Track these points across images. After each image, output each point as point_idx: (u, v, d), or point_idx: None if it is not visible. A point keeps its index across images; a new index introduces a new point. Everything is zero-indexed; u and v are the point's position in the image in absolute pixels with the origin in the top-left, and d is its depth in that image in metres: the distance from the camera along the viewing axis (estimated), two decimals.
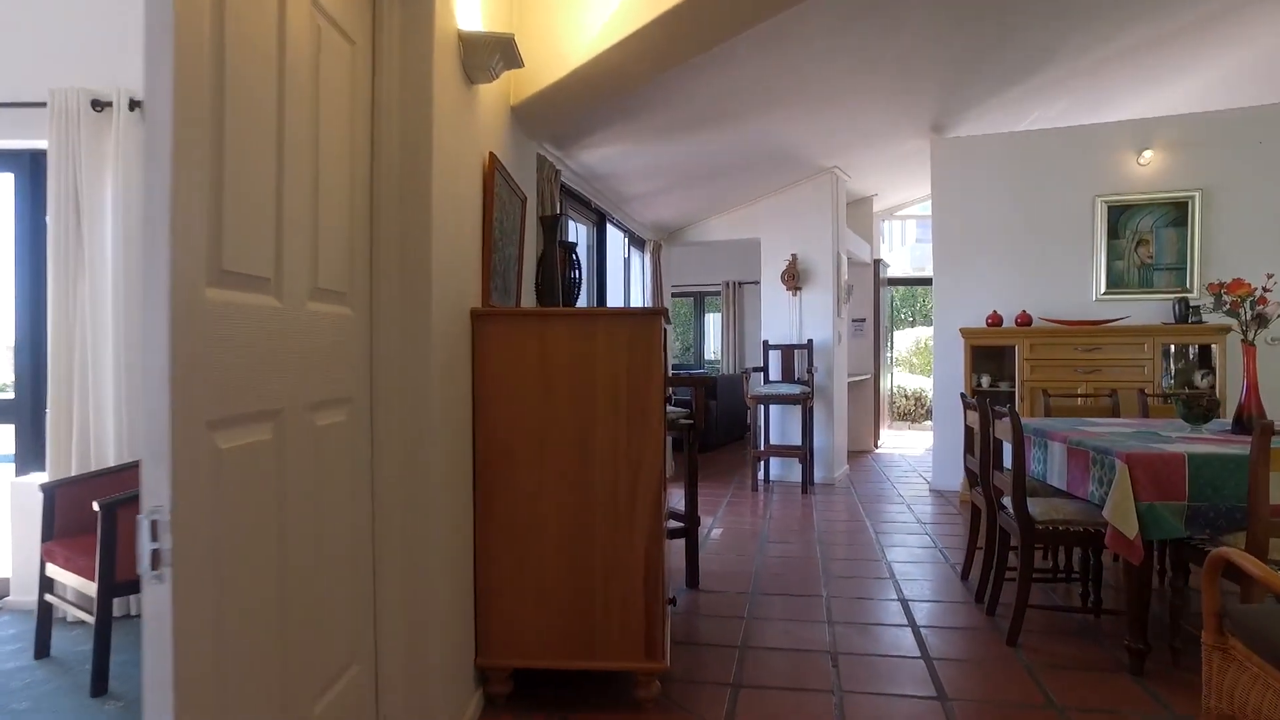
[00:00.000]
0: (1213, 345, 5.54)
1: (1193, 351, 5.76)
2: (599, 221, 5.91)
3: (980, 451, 3.51)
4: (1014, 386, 5.90)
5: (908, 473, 7.58)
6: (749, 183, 6.71)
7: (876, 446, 9.57)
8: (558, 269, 2.58)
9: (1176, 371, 5.78)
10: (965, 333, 6.03)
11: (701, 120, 4.79)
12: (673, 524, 3.81)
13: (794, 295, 7.09)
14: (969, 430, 3.90)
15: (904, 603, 3.52)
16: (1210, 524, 2.68)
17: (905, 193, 9.62)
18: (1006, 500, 3.29)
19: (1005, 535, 3.33)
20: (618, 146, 4.82)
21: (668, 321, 2.81)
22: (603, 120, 4.26)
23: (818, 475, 6.90)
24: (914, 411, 13.65)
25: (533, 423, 2.44)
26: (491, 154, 2.67)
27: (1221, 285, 3.34)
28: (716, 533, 4.94)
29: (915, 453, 9.19)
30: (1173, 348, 5.75)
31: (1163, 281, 5.93)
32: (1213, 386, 5.55)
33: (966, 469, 3.86)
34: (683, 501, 3.83)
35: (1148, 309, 5.91)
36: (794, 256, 7.02)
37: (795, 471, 6.92)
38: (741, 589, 3.73)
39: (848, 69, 4.59)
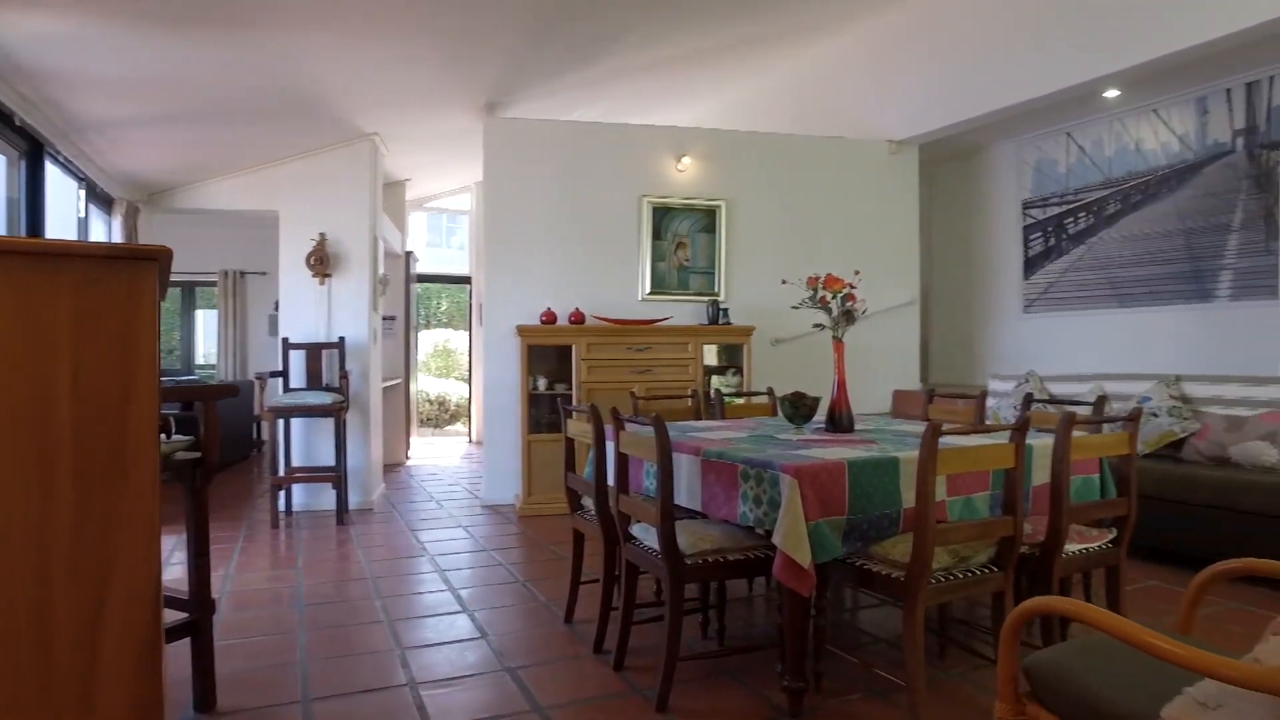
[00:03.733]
0: (742, 345, 5.89)
1: (721, 353, 6.07)
2: (32, 153, 3.95)
3: (596, 471, 2.88)
4: (571, 388, 5.55)
5: (450, 486, 6.83)
6: (270, 136, 5.27)
7: (408, 458, 8.66)
8: None
9: (711, 371, 6.03)
10: (523, 331, 5.50)
11: (206, 9, 3.37)
12: (171, 616, 2.44)
13: (322, 284, 5.82)
14: (570, 443, 3.26)
15: (514, 673, 2.71)
16: (863, 536, 2.41)
17: (437, 182, 8.91)
18: (636, 528, 2.71)
19: (632, 568, 2.75)
20: (61, 15, 3.12)
21: (172, 283, 1.56)
22: None
23: (353, 500, 5.74)
24: (438, 417, 13.03)
25: None
26: None
27: (818, 279, 3.25)
28: (232, 602, 3.54)
29: (450, 462, 8.51)
30: (714, 349, 5.99)
31: (697, 284, 6.15)
32: (740, 384, 5.89)
33: (569, 489, 3.22)
34: (183, 569, 2.48)
35: (685, 310, 6.07)
36: (322, 236, 5.75)
37: (325, 498, 5.66)
38: (286, 697, 2.53)
39: None
